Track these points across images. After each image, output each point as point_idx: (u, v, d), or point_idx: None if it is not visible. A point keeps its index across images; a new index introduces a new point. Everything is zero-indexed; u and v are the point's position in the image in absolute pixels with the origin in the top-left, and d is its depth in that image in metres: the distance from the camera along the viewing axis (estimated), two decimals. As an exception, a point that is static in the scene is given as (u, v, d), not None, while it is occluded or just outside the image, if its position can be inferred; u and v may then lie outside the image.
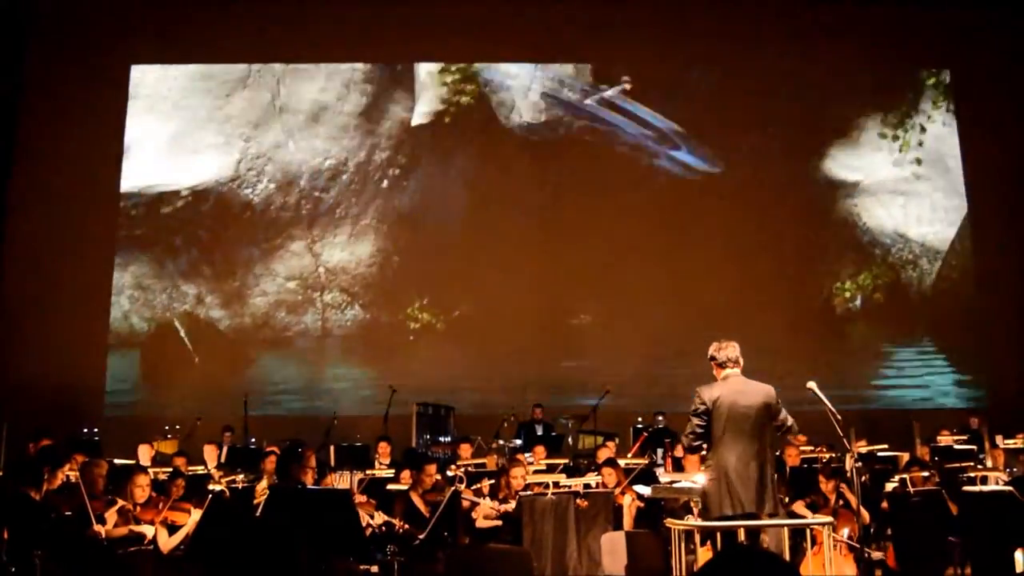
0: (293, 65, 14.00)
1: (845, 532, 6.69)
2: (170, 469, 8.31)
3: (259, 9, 13.73)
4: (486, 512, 7.46)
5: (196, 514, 6.17)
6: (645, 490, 6.97)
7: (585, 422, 11.47)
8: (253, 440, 11.06)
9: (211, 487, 7.23)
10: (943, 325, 13.57)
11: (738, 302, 12.89)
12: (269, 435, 10.98)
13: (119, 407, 12.98)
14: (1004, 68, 13.78)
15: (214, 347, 13.36)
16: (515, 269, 13.40)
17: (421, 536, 6.79)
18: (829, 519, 6.00)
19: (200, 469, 8.98)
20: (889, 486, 7.58)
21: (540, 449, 9.82)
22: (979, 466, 8.52)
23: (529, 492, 7.51)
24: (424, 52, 13.98)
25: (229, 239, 13.67)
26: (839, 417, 5.48)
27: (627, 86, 13.93)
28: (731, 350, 5.50)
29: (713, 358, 5.53)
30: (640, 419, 11.44)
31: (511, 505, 7.42)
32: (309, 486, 6.40)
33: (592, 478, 7.92)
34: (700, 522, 5.58)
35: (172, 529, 6.31)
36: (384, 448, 10.14)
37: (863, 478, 7.14)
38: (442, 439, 11.52)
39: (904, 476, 7.27)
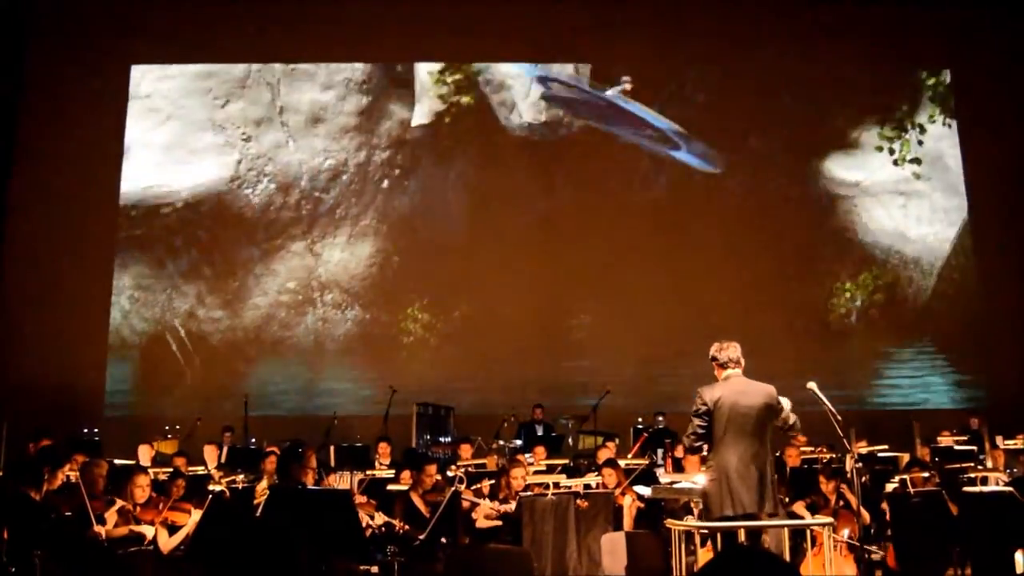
0: (293, 65, 14.00)
1: (845, 533, 6.69)
2: (170, 469, 8.31)
3: (259, 9, 13.73)
4: (486, 512, 7.46)
5: (196, 514, 6.17)
6: (645, 491, 6.97)
7: (585, 422, 11.48)
8: (253, 440, 11.06)
9: (211, 487, 7.22)
10: (943, 326, 13.55)
11: (738, 302, 12.90)
12: (269, 435, 10.97)
13: (118, 407, 12.97)
14: (1004, 68, 13.79)
15: (214, 348, 13.35)
16: (515, 270, 13.38)
17: (421, 536, 6.78)
18: (829, 520, 6.00)
19: (200, 469, 8.98)
20: (889, 487, 7.58)
21: (540, 449, 9.82)
22: (979, 467, 8.52)
23: (529, 492, 7.51)
24: (424, 52, 13.97)
25: (229, 240, 13.64)
26: (839, 417, 5.49)
27: (628, 86, 13.93)
28: (732, 350, 5.50)
29: (714, 358, 5.53)
30: (640, 419, 11.44)
31: (511, 505, 7.41)
32: (309, 486, 6.40)
33: (592, 478, 7.93)
34: (700, 523, 5.58)
35: (172, 529, 6.31)
36: (384, 448, 10.14)
37: (863, 479, 7.14)
38: (442, 439, 11.52)
39: (904, 477, 7.27)
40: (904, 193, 13.92)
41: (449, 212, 13.75)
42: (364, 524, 6.59)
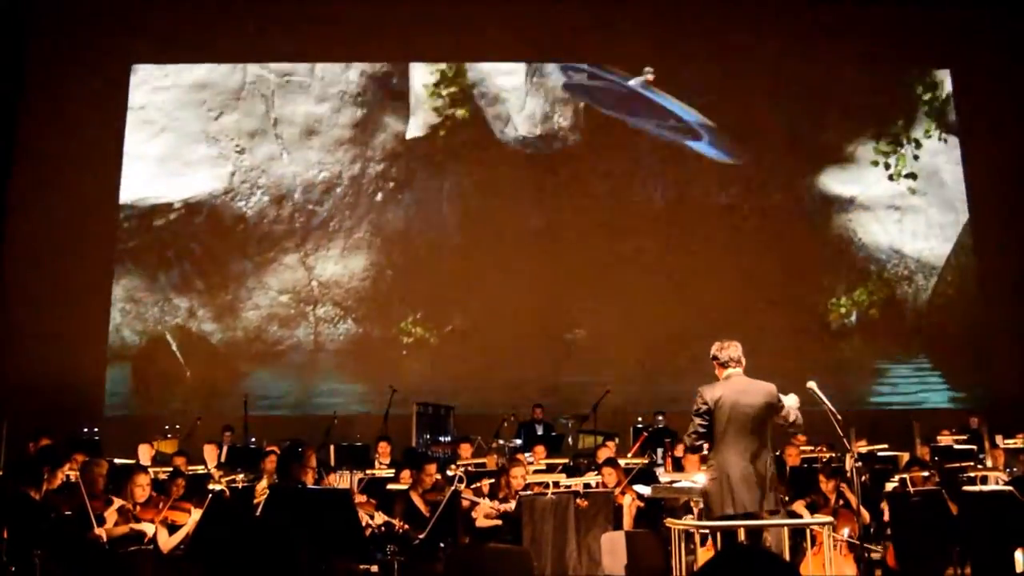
0: (288, 77, 13.90)
1: (845, 532, 6.69)
2: (170, 469, 8.31)
3: (259, 9, 13.73)
4: (486, 512, 7.46)
5: (196, 514, 6.18)
6: (645, 490, 6.98)
7: (585, 422, 11.48)
8: (253, 440, 11.05)
9: (211, 487, 7.22)
10: (938, 339, 13.49)
11: (738, 302, 12.90)
12: (269, 435, 10.96)
13: (118, 407, 12.95)
14: (1004, 68, 13.79)
15: (206, 361, 13.21)
16: (509, 283, 13.29)
17: (421, 536, 6.79)
18: (829, 519, 6.00)
19: (200, 469, 8.97)
20: (889, 486, 7.58)
21: (540, 449, 9.82)
22: (979, 466, 8.52)
23: (529, 492, 7.51)
24: (424, 52, 13.94)
25: (222, 252, 13.50)
26: (839, 417, 5.48)
27: (650, 76, 13.84)
28: (733, 350, 5.50)
29: (715, 358, 5.53)
30: (640, 419, 11.44)
31: (511, 505, 7.42)
32: (309, 486, 6.41)
33: (592, 478, 7.93)
34: (700, 522, 5.58)
35: (172, 529, 6.32)
36: (384, 448, 10.14)
37: (863, 478, 7.15)
38: (442, 439, 11.52)
39: (904, 476, 7.27)
40: (899, 208, 13.89)
41: (443, 225, 13.64)
42: (364, 523, 6.60)
